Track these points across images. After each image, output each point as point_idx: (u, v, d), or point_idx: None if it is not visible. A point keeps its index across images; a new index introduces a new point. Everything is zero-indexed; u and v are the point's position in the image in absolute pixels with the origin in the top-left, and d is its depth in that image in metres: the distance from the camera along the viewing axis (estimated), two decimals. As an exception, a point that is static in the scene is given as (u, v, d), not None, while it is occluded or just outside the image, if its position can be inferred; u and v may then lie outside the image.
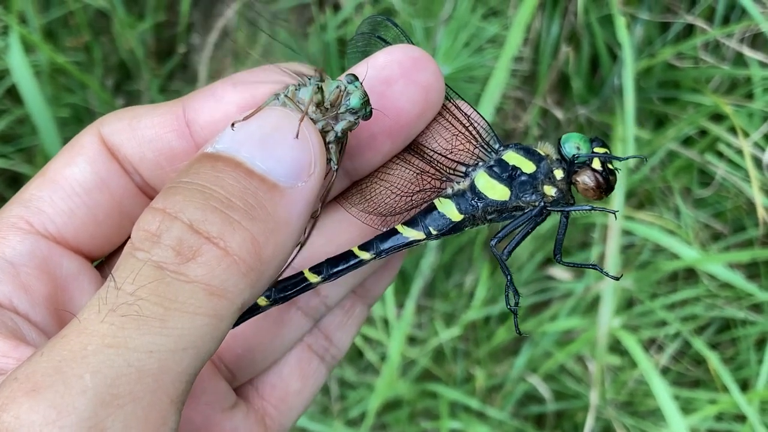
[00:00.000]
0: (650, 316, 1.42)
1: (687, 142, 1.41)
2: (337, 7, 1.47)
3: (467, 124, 0.54)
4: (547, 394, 1.43)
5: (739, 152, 1.31)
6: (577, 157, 0.52)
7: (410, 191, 0.55)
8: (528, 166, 0.53)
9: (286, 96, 0.45)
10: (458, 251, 1.50)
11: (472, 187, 0.54)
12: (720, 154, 1.37)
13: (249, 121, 0.43)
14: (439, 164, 0.54)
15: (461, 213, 0.54)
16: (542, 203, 0.53)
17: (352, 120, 0.47)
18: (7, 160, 1.38)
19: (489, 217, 0.54)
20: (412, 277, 1.37)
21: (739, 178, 1.34)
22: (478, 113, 0.54)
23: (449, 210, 0.54)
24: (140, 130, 0.50)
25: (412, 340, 1.48)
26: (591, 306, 1.41)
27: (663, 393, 1.18)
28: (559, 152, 0.53)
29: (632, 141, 1.20)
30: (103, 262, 0.54)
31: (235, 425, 0.55)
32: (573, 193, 0.54)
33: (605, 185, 0.52)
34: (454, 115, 0.54)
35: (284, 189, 0.42)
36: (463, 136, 0.54)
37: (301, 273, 0.53)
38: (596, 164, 0.52)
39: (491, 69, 1.10)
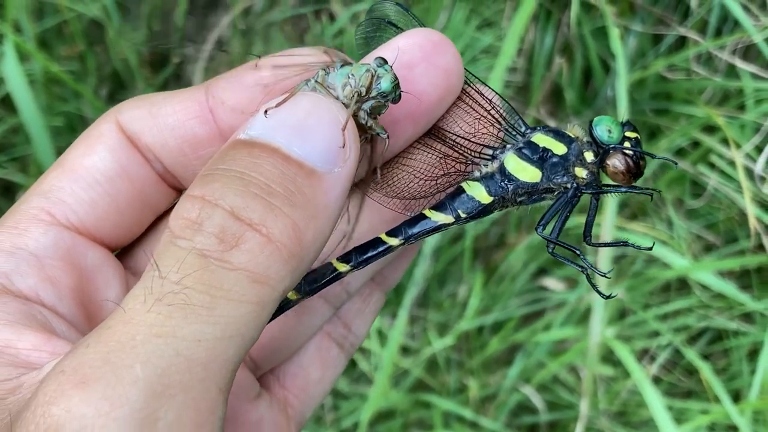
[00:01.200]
0: (643, 326, 1.42)
1: (679, 153, 1.42)
2: (332, 17, 1.47)
3: (489, 108, 0.54)
4: (541, 405, 1.43)
5: (731, 163, 1.32)
6: (609, 141, 0.52)
7: (434, 175, 0.55)
8: (559, 148, 0.53)
9: (316, 81, 0.46)
10: (451, 261, 1.50)
11: (502, 169, 0.54)
12: (712, 166, 1.37)
13: (281, 107, 0.43)
14: (462, 148, 0.54)
15: (491, 195, 0.53)
16: (575, 185, 0.53)
17: (381, 102, 0.47)
18: (1, 169, 1.38)
19: (519, 199, 0.54)
20: (405, 287, 1.38)
21: (731, 189, 1.35)
22: (501, 97, 0.54)
23: (478, 192, 0.53)
24: (161, 118, 0.50)
25: (405, 350, 1.48)
26: (584, 316, 1.41)
27: (656, 403, 1.18)
28: (590, 135, 0.53)
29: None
30: (123, 252, 0.54)
31: (261, 414, 0.55)
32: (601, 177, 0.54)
33: (635, 170, 0.52)
34: (475, 99, 0.53)
35: (322, 174, 0.42)
36: (485, 120, 0.54)
37: (330, 263, 0.53)
38: (627, 150, 0.52)
39: (485, 79, 1.10)
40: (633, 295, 1.40)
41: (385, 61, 0.46)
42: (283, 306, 0.52)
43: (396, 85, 0.46)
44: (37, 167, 1.29)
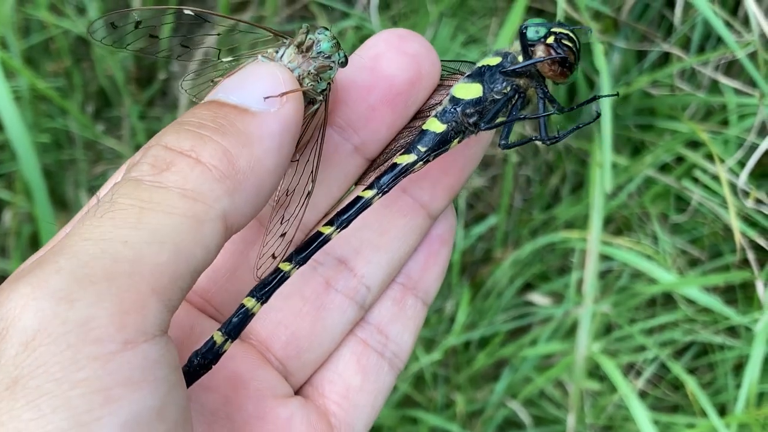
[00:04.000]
0: (629, 340, 1.42)
1: (664, 168, 1.43)
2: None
3: (460, 77, 0.56)
4: (527, 420, 1.43)
5: (716, 178, 1.32)
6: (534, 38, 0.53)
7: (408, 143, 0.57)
8: (495, 61, 0.55)
9: (264, 57, 0.49)
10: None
11: (452, 98, 0.55)
12: (696, 180, 1.38)
13: (227, 77, 0.47)
14: (432, 111, 0.56)
15: (443, 123, 0.54)
16: (515, 86, 0.54)
17: (327, 63, 0.50)
18: (-14, 186, 1.38)
19: (471, 120, 0.55)
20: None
21: (715, 203, 1.36)
22: (468, 63, 0.57)
23: (433, 125, 0.55)
24: None
25: (392, 366, 1.48)
26: (570, 331, 1.42)
27: (642, 417, 1.19)
28: (521, 37, 0.53)
29: (609, 167, 1.21)
30: None
31: (291, 412, 0.55)
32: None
33: (560, 60, 0.53)
34: (451, 79, 0.56)
35: (256, 112, 0.45)
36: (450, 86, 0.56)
37: (315, 230, 0.54)
38: (550, 40, 0.53)
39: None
40: (619, 309, 1.40)
41: (326, 28, 0.50)
42: (282, 278, 0.52)
43: (336, 44, 0.49)
44: (23, 184, 1.29)
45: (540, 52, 0.53)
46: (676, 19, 1.33)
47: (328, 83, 0.51)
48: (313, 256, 0.54)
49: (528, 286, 1.51)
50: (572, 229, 1.40)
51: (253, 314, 0.51)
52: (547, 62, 0.52)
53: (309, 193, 0.53)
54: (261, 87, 0.45)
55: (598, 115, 0.57)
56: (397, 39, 0.53)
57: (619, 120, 1.40)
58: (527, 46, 0.53)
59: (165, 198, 0.40)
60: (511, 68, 0.53)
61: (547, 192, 1.51)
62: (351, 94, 0.53)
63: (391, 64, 0.53)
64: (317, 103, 0.51)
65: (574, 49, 0.53)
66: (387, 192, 0.54)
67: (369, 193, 0.54)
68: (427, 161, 0.55)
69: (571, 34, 0.53)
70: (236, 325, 0.50)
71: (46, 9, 1.37)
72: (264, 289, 0.51)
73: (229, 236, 0.43)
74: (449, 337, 1.44)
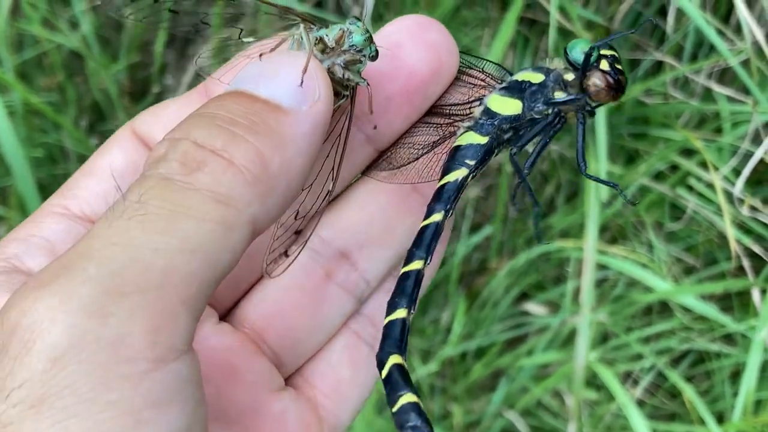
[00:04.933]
0: (625, 349, 1.42)
1: (658, 176, 1.43)
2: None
3: (482, 77, 0.55)
4: (525, 430, 1.43)
5: (710, 186, 1.33)
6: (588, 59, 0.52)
7: (429, 143, 0.56)
8: (537, 78, 0.53)
9: (292, 41, 0.48)
10: (434, 287, 1.50)
11: (486, 110, 0.54)
12: (691, 188, 1.39)
13: (252, 64, 0.45)
14: (454, 114, 0.55)
15: (484, 135, 0.53)
16: (555, 110, 0.53)
17: (357, 56, 0.48)
18: (-20, 201, 1.38)
19: (506, 137, 0.54)
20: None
21: (710, 211, 1.36)
22: (495, 63, 0.55)
23: (473, 138, 0.54)
24: (166, 116, 0.52)
25: (389, 377, 1.48)
26: (567, 340, 1.42)
27: (640, 426, 1.18)
28: (567, 61, 0.53)
29: (605, 176, 1.22)
30: None
31: (284, 406, 0.54)
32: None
33: (615, 85, 0.52)
34: (471, 75, 0.55)
35: (288, 110, 0.43)
36: (479, 87, 0.55)
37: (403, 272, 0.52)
38: (604, 66, 0.52)
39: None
40: (615, 318, 1.40)
41: (358, 19, 0.48)
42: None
43: (368, 38, 0.48)
44: (18, 198, 1.29)
45: (596, 78, 0.52)
46: (669, 28, 1.34)
47: (357, 73, 0.49)
48: (314, 246, 0.54)
49: (524, 296, 1.51)
50: (567, 238, 1.40)
51: None
52: (602, 89, 0.52)
53: (329, 192, 0.52)
54: (293, 81, 0.44)
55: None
56: (417, 27, 0.51)
57: (613, 129, 1.40)
58: (581, 70, 0.52)
59: (196, 202, 0.38)
60: (564, 101, 0.53)
61: (543, 201, 1.51)
62: (370, 81, 0.52)
63: (412, 54, 0.51)
64: (342, 97, 0.49)
65: (623, 70, 0.53)
66: (454, 210, 0.54)
67: (438, 217, 0.52)
68: (476, 175, 0.54)
69: (617, 55, 0.53)
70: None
71: (39, 24, 1.37)
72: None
73: (254, 239, 0.42)
74: (446, 348, 1.44)
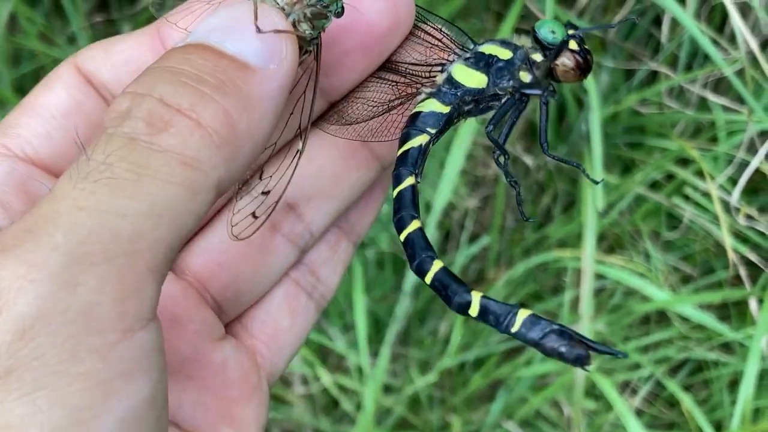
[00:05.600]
0: (623, 359, 1.42)
1: (654, 186, 1.43)
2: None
3: (441, 37, 0.54)
4: (524, 440, 1.43)
5: (706, 195, 1.33)
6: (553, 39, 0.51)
7: (385, 101, 0.55)
8: (505, 53, 0.53)
9: None
10: (432, 298, 1.50)
11: (449, 79, 0.53)
12: (687, 198, 1.39)
13: (216, 13, 0.43)
14: (413, 75, 0.54)
15: (447, 104, 0.53)
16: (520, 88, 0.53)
17: (323, 11, 0.46)
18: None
19: (466, 108, 0.54)
20: (386, 324, 1.37)
21: (706, 220, 1.36)
22: (451, 23, 0.54)
23: (435, 106, 0.53)
24: (115, 54, 0.50)
25: (387, 389, 1.48)
26: (565, 350, 1.41)
27: (639, 436, 1.19)
28: (535, 38, 0.52)
29: (601, 185, 1.22)
30: None
31: (225, 355, 0.53)
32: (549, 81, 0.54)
33: (584, 65, 0.52)
34: (426, 32, 0.53)
35: (256, 69, 0.42)
36: (437, 47, 0.54)
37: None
38: (573, 45, 0.51)
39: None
40: (613, 328, 1.40)
41: None
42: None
43: None
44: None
45: (565, 58, 0.51)
46: (663, 37, 1.34)
47: (320, 33, 0.48)
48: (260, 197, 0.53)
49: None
50: (565, 247, 1.41)
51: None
52: (571, 69, 0.51)
53: (298, 152, 0.51)
54: (260, 39, 0.42)
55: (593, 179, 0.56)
56: None
57: (609, 138, 1.41)
58: (547, 49, 0.52)
59: (163, 164, 0.37)
60: (535, 91, 0.52)
61: (539, 211, 1.51)
62: (326, 35, 0.50)
63: (373, 8, 0.49)
64: (305, 53, 0.48)
65: (590, 50, 0.52)
66: (422, 174, 0.53)
67: (411, 180, 0.52)
68: (436, 142, 0.54)
69: (583, 36, 0.52)
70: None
71: (36, 38, 1.37)
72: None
73: (216, 201, 0.41)
74: (444, 359, 1.44)
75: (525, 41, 0.53)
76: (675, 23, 1.31)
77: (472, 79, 0.53)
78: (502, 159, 0.54)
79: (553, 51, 0.52)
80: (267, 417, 0.56)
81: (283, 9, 0.45)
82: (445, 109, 0.53)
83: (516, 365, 1.44)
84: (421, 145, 0.53)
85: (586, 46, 0.52)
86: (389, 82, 0.55)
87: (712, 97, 1.33)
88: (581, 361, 0.44)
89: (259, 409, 0.55)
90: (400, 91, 0.55)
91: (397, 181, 0.52)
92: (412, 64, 0.54)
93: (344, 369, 1.51)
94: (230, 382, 0.54)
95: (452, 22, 0.54)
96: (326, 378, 1.47)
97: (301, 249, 0.58)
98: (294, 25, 0.46)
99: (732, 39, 1.23)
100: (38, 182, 0.49)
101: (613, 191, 1.38)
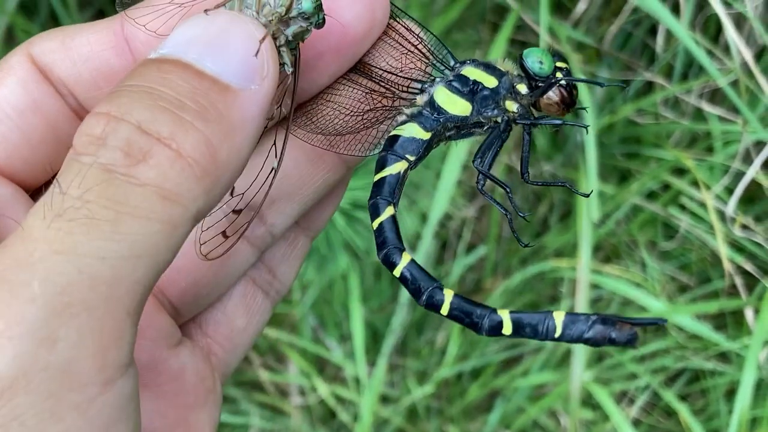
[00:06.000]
0: (620, 369, 1.43)
1: (650, 196, 1.43)
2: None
3: (416, 42, 0.52)
4: (521, 450, 1.43)
5: (702, 205, 1.33)
6: (540, 71, 0.50)
7: (360, 110, 0.52)
8: (490, 81, 0.51)
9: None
10: (429, 308, 1.50)
11: (432, 102, 0.52)
12: (683, 207, 1.39)
13: (194, 23, 0.40)
14: (389, 82, 0.52)
15: (427, 131, 0.51)
16: (506, 118, 0.51)
17: (304, 26, 0.44)
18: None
19: (448, 134, 0.52)
20: (383, 335, 1.38)
21: (702, 230, 1.37)
22: (429, 31, 0.52)
23: (415, 131, 0.52)
24: (74, 49, 0.47)
25: (384, 399, 1.48)
26: (562, 360, 1.42)
27: (635, 446, 1.18)
28: (522, 67, 0.51)
29: (596, 196, 1.22)
30: (37, 193, 0.49)
31: (183, 362, 0.51)
32: (533, 110, 0.53)
33: (569, 99, 0.51)
34: (401, 34, 0.51)
35: (237, 91, 0.39)
36: (413, 54, 0.52)
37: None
38: (560, 76, 0.50)
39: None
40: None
41: None
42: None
43: (318, 6, 0.44)
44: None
45: (551, 92, 0.50)
46: (659, 48, 1.35)
47: (298, 45, 0.45)
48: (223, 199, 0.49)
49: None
50: (561, 257, 1.41)
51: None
52: (555, 103, 0.51)
53: (273, 170, 0.48)
54: (242, 55, 0.40)
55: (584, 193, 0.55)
56: None
57: (605, 148, 1.41)
58: (533, 83, 0.51)
59: (142, 200, 0.34)
60: (530, 122, 0.51)
61: (536, 221, 1.52)
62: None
63: (348, 11, 0.47)
64: (281, 65, 0.45)
65: (576, 85, 0.52)
66: (398, 202, 0.52)
67: (391, 211, 0.51)
68: (414, 168, 0.53)
69: (570, 68, 0.52)
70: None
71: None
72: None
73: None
74: (441, 369, 1.44)
75: (509, 66, 0.52)
76: (670, 33, 1.31)
77: (456, 106, 0.52)
78: (483, 184, 0.52)
79: (540, 88, 0.51)
80: (219, 418, 0.55)
81: (260, 21, 0.43)
82: (426, 136, 0.52)
83: (513, 375, 1.44)
84: (399, 172, 0.51)
85: (581, 79, 0.51)
86: (362, 89, 0.52)
87: (707, 108, 1.33)
88: (632, 342, 0.44)
89: (214, 411, 0.54)
90: (375, 102, 0.53)
91: (376, 212, 0.51)
92: (387, 71, 0.52)
93: (341, 380, 1.51)
94: (187, 388, 0.52)
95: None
96: (323, 389, 1.47)
97: (261, 250, 0.56)
98: (273, 38, 0.43)
99: (727, 49, 1.24)
100: None
101: (609, 201, 1.38)
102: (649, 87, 1.42)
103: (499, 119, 0.51)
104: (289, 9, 0.43)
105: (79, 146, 0.36)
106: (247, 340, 0.57)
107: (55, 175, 0.38)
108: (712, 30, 1.34)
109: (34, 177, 0.48)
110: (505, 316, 0.47)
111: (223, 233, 0.48)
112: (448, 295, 0.48)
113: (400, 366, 1.51)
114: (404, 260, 0.49)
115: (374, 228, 0.51)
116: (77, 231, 0.33)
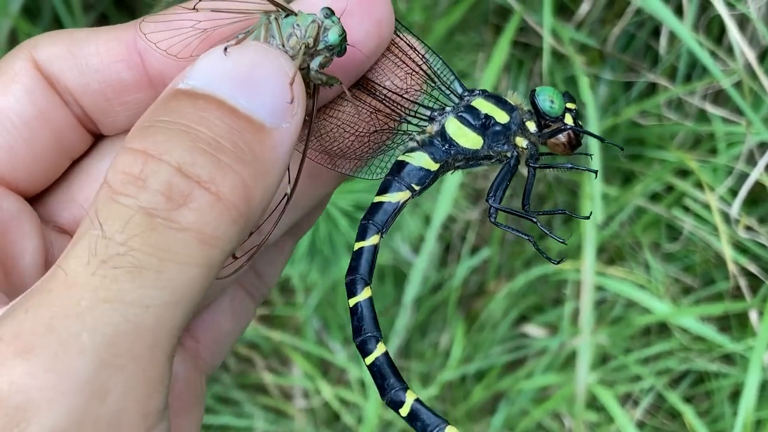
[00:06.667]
0: (624, 371, 1.42)
1: (654, 197, 1.43)
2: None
3: (420, 62, 0.52)
4: (526, 453, 1.43)
5: (706, 207, 1.33)
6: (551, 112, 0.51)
7: (365, 131, 0.52)
8: (501, 116, 0.52)
9: (267, 25, 0.43)
10: (433, 311, 1.50)
11: (443, 133, 0.52)
12: (687, 209, 1.39)
13: (223, 55, 0.40)
14: (394, 104, 0.52)
15: (436, 162, 0.51)
16: (515, 154, 0.52)
17: (328, 56, 0.44)
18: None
19: (457, 165, 0.52)
20: (387, 337, 1.37)
21: (706, 232, 1.36)
22: (435, 53, 0.52)
23: (425, 161, 0.51)
24: (83, 58, 0.46)
25: (388, 402, 1.47)
26: (566, 362, 1.42)
27: (640, 448, 1.18)
28: (532, 104, 0.51)
29: (600, 198, 1.22)
30: (32, 199, 0.48)
31: (175, 371, 0.50)
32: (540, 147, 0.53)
33: (576, 142, 0.51)
34: (405, 52, 0.51)
35: (270, 130, 0.39)
36: (417, 76, 0.52)
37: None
38: (568, 120, 0.51)
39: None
40: (614, 339, 1.40)
41: (332, 12, 0.44)
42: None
43: (343, 38, 0.44)
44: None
45: (561, 136, 0.51)
46: (662, 49, 1.35)
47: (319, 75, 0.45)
48: None
49: (523, 318, 1.51)
50: (565, 259, 1.40)
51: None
52: (561, 144, 0.51)
53: (286, 196, 0.48)
54: (274, 93, 0.40)
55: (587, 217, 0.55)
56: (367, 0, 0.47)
57: (609, 150, 1.41)
58: (543, 121, 0.51)
59: (183, 246, 0.35)
60: (542, 166, 0.52)
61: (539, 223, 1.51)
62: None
63: (358, 30, 0.46)
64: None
65: (582, 125, 0.52)
66: (386, 232, 0.52)
67: (375, 240, 0.50)
68: (416, 196, 0.53)
69: (578, 110, 0.52)
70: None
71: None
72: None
73: None
74: (445, 372, 1.44)
75: (518, 100, 0.52)
76: (673, 35, 1.31)
77: (468, 139, 0.51)
78: (495, 217, 0.52)
79: (551, 129, 0.51)
80: (202, 420, 0.55)
81: (287, 52, 0.43)
82: (434, 167, 0.51)
83: (517, 377, 1.44)
84: (399, 202, 0.51)
85: (580, 123, 0.51)
86: (367, 107, 0.52)
87: (711, 109, 1.33)
88: None
89: (199, 415, 0.54)
90: (380, 123, 0.52)
91: (362, 234, 0.51)
92: (392, 91, 0.52)
93: (345, 382, 1.51)
94: (175, 395, 0.52)
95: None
96: (327, 391, 1.47)
97: (255, 258, 0.56)
98: (300, 69, 0.43)
99: (730, 50, 1.23)
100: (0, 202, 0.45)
101: (612, 203, 1.38)
102: (652, 88, 1.42)
103: (508, 154, 0.52)
104: (316, 41, 0.43)
105: (117, 185, 0.36)
106: (231, 342, 0.57)
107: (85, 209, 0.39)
108: (715, 31, 1.34)
109: (36, 186, 0.48)
110: (409, 399, 0.49)
111: (233, 254, 0.48)
112: (410, 397, 0.50)
113: (404, 368, 1.51)
114: (379, 350, 0.49)
115: (354, 249, 0.51)
116: (123, 278, 0.33)
